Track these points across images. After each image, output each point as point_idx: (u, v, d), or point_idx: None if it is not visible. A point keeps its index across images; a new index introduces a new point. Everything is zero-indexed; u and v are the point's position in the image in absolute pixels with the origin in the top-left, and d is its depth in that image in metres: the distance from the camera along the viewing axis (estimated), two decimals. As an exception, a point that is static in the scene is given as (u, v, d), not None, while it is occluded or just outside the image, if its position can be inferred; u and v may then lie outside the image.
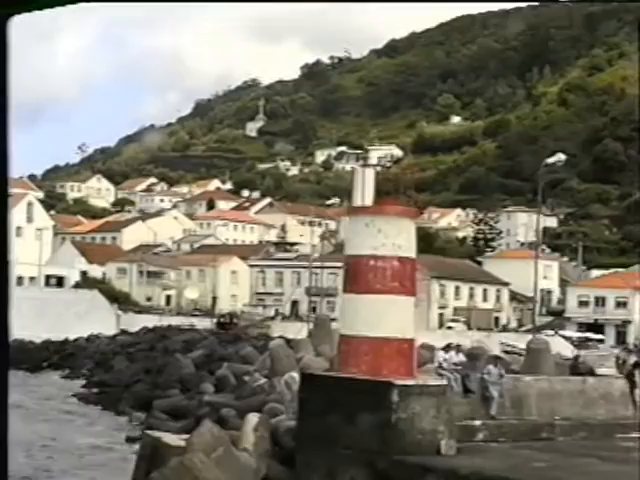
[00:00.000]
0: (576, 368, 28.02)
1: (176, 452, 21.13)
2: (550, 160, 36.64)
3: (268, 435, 22.52)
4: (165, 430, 28.03)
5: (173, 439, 22.44)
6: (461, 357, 23.46)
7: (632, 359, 30.68)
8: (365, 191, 21.47)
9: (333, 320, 40.18)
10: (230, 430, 25.10)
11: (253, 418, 22.82)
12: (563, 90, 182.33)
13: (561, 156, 37.23)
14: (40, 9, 2.47)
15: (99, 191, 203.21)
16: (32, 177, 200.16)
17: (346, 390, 20.36)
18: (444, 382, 21.25)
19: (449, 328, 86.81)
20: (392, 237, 20.97)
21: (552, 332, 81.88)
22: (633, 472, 17.53)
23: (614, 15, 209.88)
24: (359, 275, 21.21)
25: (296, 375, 25.14)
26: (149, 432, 24.14)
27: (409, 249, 21.41)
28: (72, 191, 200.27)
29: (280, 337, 47.79)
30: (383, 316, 20.89)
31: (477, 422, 22.20)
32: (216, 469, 20.02)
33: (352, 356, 21.04)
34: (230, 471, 20.39)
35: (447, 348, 23.65)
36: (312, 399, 21.09)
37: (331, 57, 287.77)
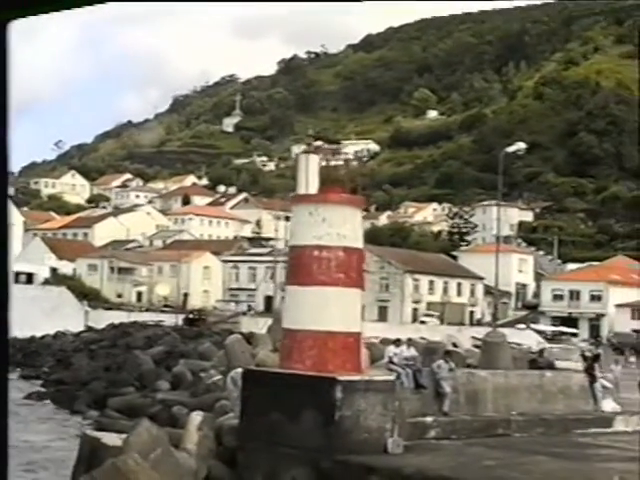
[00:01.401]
0: (535, 362, 27.25)
1: (114, 453, 20.16)
2: (510, 149, 35.90)
3: (212, 434, 21.60)
4: (118, 429, 27.02)
5: (112, 439, 21.44)
6: (412, 351, 22.59)
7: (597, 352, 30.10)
8: (309, 179, 20.56)
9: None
10: (181, 429, 24.19)
11: (197, 417, 21.89)
12: (539, 84, 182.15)
13: (521, 145, 36.53)
14: (40, 14, 2.37)
15: (74, 187, 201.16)
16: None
17: (288, 386, 19.50)
18: (392, 377, 20.39)
19: (422, 322, 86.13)
20: (337, 226, 20.08)
21: (523, 326, 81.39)
22: (582, 469, 16.77)
23: (589, 9, 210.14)
24: (303, 266, 20.33)
25: (244, 371, 24.16)
26: (88, 432, 23.18)
27: (355, 239, 20.53)
28: (46, 187, 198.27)
29: (249, 332, 46.75)
30: (328, 309, 20.01)
31: (429, 419, 21.38)
32: (152, 471, 19.03)
33: (296, 351, 20.17)
34: (167, 473, 19.42)
35: (398, 342, 22.77)
36: (254, 396, 20.22)
37: (308, 52, 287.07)
